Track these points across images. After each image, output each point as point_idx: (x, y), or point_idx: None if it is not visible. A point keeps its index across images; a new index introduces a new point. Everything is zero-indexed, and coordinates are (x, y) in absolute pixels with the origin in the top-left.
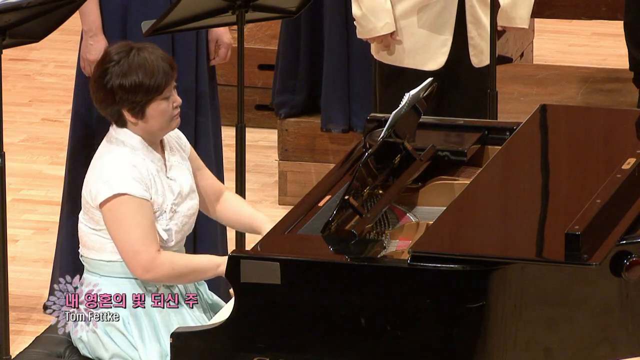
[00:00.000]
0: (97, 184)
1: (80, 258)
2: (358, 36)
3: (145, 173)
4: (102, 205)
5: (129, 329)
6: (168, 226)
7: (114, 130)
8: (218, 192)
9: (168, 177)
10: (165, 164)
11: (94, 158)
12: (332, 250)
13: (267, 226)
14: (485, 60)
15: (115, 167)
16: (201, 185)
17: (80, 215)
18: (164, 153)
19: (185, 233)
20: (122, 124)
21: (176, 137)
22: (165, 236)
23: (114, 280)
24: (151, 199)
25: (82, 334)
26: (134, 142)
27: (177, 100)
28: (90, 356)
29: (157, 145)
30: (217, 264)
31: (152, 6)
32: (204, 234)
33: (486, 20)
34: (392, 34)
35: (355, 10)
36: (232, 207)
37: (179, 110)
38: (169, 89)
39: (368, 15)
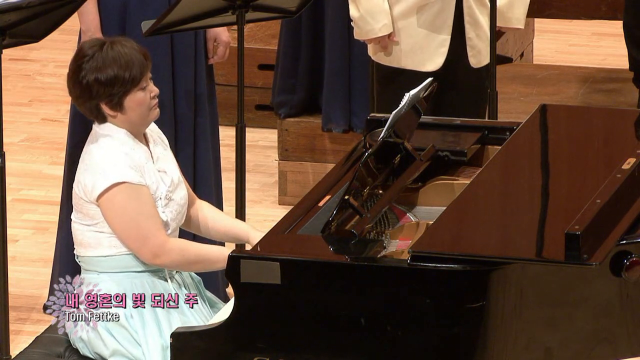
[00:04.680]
0: (92, 177)
1: (76, 259)
2: (356, 37)
3: (137, 160)
4: (100, 196)
5: (131, 323)
6: (164, 212)
7: (97, 128)
8: (192, 198)
9: (157, 170)
10: (152, 156)
11: (82, 155)
12: (332, 250)
13: (253, 233)
14: (484, 61)
15: (108, 158)
16: None
17: (73, 216)
18: (149, 145)
19: (178, 222)
20: (102, 119)
21: (157, 132)
22: (164, 218)
23: (113, 276)
24: (146, 184)
25: (82, 333)
26: (120, 135)
27: (154, 90)
28: (90, 355)
29: (141, 137)
30: (226, 256)
31: (150, 6)
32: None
33: (484, 21)
34: (390, 35)
35: (353, 12)
36: (210, 215)
37: (156, 100)
38: (145, 79)
39: (366, 16)
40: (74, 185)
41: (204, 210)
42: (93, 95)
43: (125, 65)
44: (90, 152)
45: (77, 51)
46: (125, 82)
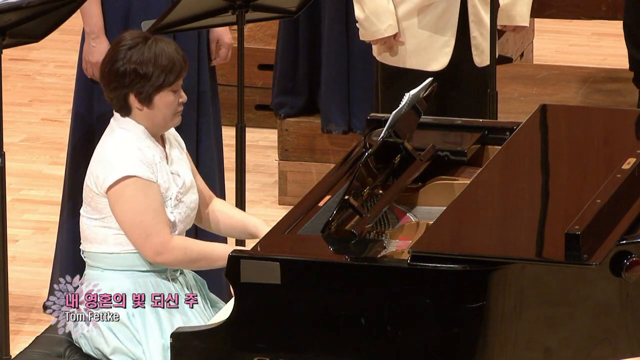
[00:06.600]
0: (103, 168)
1: (81, 255)
2: (361, 38)
3: (150, 157)
4: (109, 189)
5: (133, 322)
6: (172, 213)
7: (115, 121)
8: (208, 198)
9: (171, 172)
10: (167, 157)
11: (96, 148)
12: (332, 250)
13: (263, 228)
14: (487, 60)
15: (121, 151)
16: None
17: (82, 210)
18: (165, 147)
19: (186, 226)
20: (126, 111)
21: (175, 135)
22: (172, 218)
23: (116, 274)
24: (157, 182)
25: (83, 331)
26: (138, 130)
27: (183, 96)
28: (92, 352)
29: (158, 138)
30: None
31: (153, 7)
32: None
33: (488, 20)
34: (395, 35)
35: (358, 13)
36: (224, 212)
37: (182, 108)
38: (179, 83)
39: (371, 17)
40: (86, 177)
41: (218, 206)
42: (126, 84)
43: (166, 62)
44: (104, 145)
45: (117, 39)
46: (159, 79)
